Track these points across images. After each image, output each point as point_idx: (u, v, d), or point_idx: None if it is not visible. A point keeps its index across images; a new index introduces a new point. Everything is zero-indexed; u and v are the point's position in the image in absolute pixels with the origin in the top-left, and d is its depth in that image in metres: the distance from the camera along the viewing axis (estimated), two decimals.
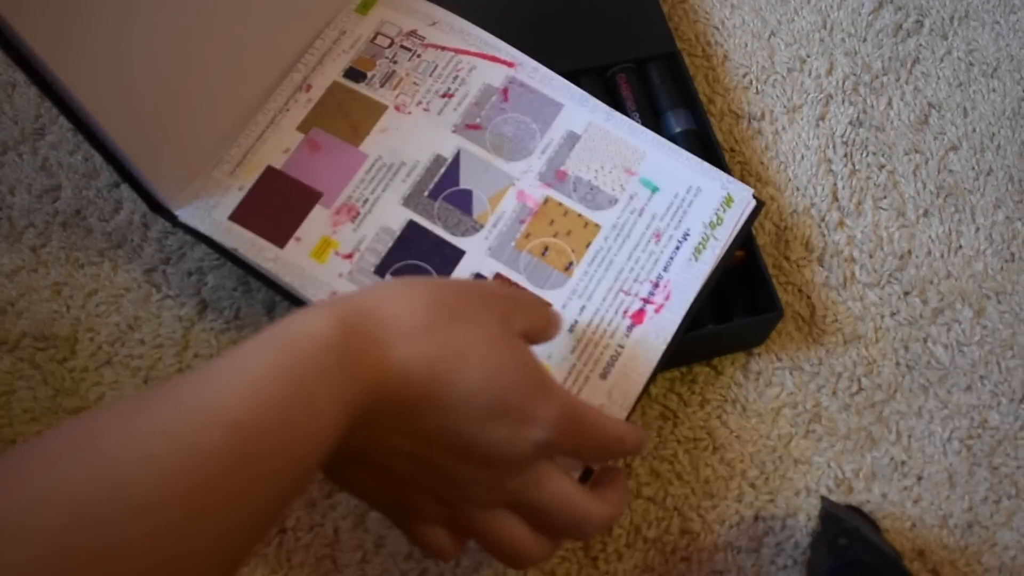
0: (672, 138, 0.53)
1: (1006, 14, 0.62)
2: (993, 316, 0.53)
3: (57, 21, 0.38)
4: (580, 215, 0.47)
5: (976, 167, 0.57)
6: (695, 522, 0.48)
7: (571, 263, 0.45)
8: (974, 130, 0.58)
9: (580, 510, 0.34)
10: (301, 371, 0.26)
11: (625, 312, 0.44)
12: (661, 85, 0.55)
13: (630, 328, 0.44)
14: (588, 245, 0.46)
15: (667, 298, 0.44)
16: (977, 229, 0.56)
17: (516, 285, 0.45)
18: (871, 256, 0.54)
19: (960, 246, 0.55)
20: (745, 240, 0.49)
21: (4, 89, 0.58)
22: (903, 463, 0.50)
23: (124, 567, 0.21)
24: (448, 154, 0.48)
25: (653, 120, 0.53)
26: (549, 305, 0.43)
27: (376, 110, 0.49)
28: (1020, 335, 0.53)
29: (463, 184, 0.47)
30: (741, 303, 0.50)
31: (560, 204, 0.47)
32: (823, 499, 0.47)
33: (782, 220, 0.55)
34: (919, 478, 0.49)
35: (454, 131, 0.49)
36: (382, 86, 0.50)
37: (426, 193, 0.47)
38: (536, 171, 0.48)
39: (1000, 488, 0.49)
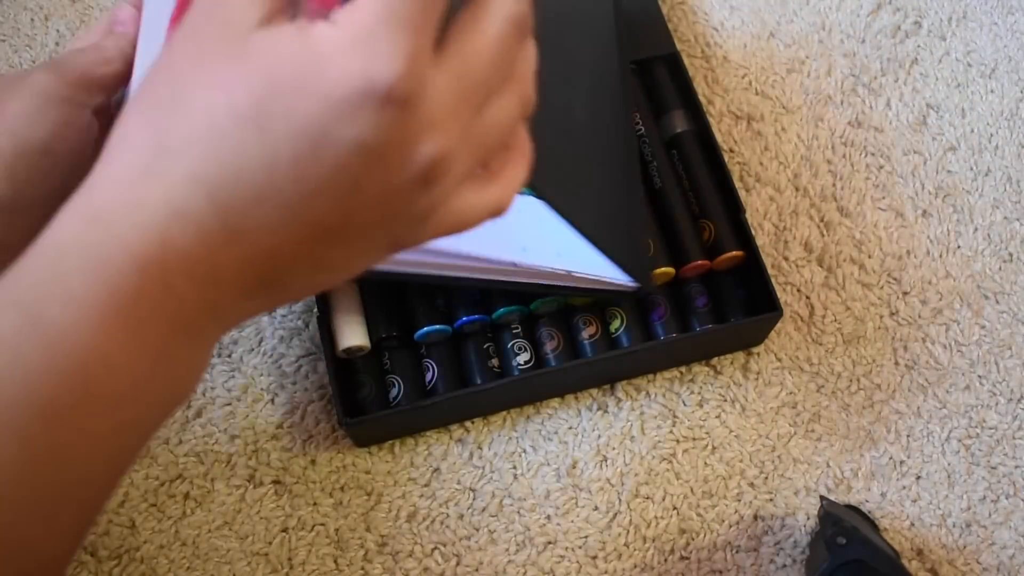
0: (672, 139, 0.53)
1: (1004, 15, 0.63)
2: (991, 316, 0.53)
3: None
4: None
5: (974, 167, 0.58)
6: (694, 521, 0.48)
7: None
8: (972, 131, 0.59)
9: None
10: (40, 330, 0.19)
11: None
12: (661, 86, 0.55)
13: None
14: None
15: None
16: (975, 229, 0.56)
17: None
18: (870, 256, 0.55)
19: (959, 246, 0.55)
20: (745, 240, 0.50)
21: None
22: (902, 462, 0.50)
23: None
24: None
25: (653, 121, 0.54)
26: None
27: None
28: (1018, 335, 0.53)
29: None
30: (740, 303, 0.50)
31: None
32: (822, 498, 0.48)
33: (781, 220, 0.55)
34: (918, 477, 0.50)
35: None
36: None
37: None
38: None
39: (998, 487, 0.49)
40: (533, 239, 0.43)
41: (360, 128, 0.20)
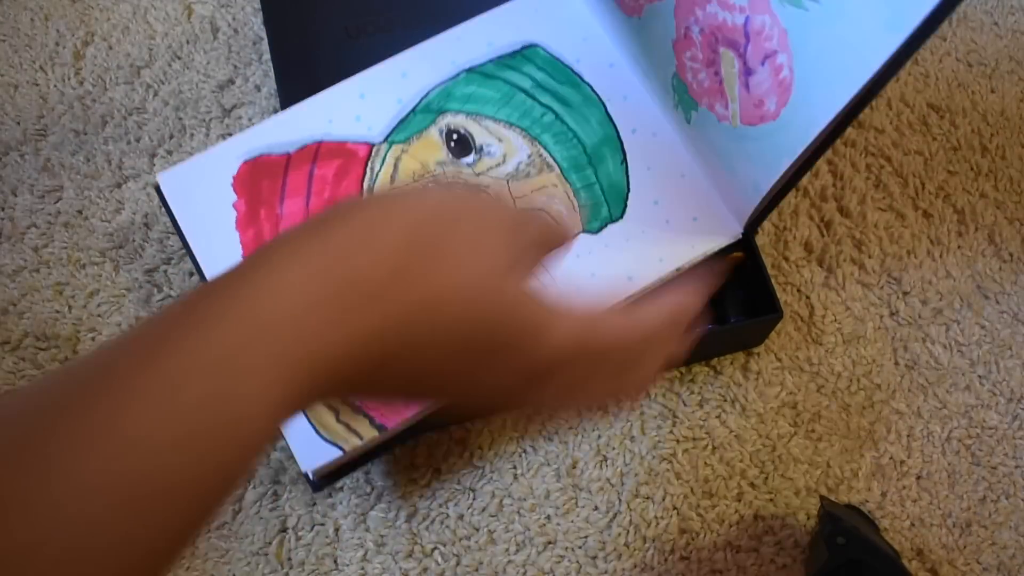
0: None
1: (1004, 15, 0.62)
2: (992, 316, 0.53)
3: None
4: None
5: (975, 168, 0.57)
6: (694, 521, 0.48)
7: None
8: (973, 131, 0.59)
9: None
10: (232, 406, 0.22)
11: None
12: None
13: None
14: None
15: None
16: (976, 229, 0.56)
17: None
18: (870, 256, 0.55)
19: (959, 246, 0.55)
20: (744, 241, 0.49)
21: (6, 90, 0.58)
22: (902, 462, 0.50)
23: None
24: None
25: None
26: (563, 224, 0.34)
27: None
28: (1018, 335, 0.53)
29: None
30: (740, 303, 0.50)
31: None
32: (822, 498, 0.47)
33: (781, 220, 0.55)
34: (918, 477, 0.49)
35: None
36: None
37: None
38: None
39: (999, 487, 0.49)
40: (631, 264, 0.45)
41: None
